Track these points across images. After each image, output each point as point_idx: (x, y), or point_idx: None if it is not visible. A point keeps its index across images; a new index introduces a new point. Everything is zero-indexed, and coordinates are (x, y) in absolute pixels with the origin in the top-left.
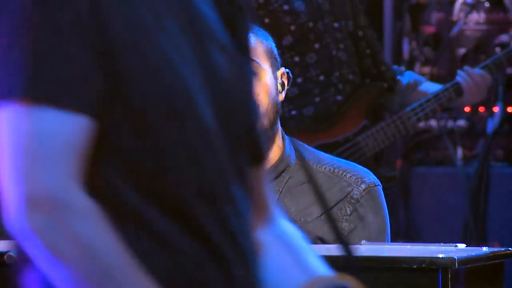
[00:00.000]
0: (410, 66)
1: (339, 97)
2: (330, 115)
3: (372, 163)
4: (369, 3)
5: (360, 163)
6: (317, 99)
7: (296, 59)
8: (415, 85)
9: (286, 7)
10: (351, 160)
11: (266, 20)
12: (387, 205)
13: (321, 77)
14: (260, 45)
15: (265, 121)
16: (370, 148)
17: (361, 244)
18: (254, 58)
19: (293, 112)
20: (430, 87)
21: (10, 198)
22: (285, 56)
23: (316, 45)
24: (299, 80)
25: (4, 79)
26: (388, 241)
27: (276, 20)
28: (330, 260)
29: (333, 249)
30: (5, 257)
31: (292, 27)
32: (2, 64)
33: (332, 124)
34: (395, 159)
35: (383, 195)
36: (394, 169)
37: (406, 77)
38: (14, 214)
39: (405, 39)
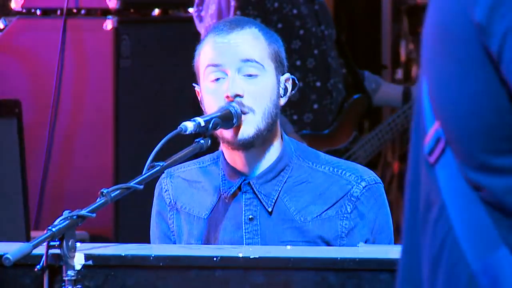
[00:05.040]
0: (407, 68)
1: (333, 107)
2: (326, 124)
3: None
4: (367, 5)
5: None
6: (316, 106)
7: (298, 63)
8: (377, 88)
9: (295, 11)
10: None
11: (279, 25)
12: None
13: (318, 83)
14: (267, 47)
15: (262, 123)
16: (362, 158)
17: (359, 246)
18: (258, 60)
19: (295, 117)
20: (389, 88)
21: None
22: (291, 59)
23: (315, 51)
24: (300, 84)
25: None
26: (391, 239)
27: (288, 24)
28: (332, 262)
29: (337, 251)
30: (3, 259)
31: (301, 31)
32: None
33: (330, 134)
34: (393, 161)
35: (384, 193)
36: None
37: (368, 81)
38: None
39: (402, 41)
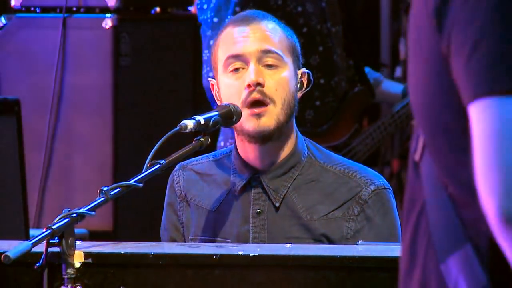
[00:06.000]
0: (406, 66)
1: (335, 104)
2: (327, 121)
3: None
4: (366, 3)
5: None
6: (317, 103)
7: (301, 60)
8: (376, 84)
9: (299, 8)
10: None
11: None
12: None
13: (321, 80)
14: (284, 39)
15: (282, 115)
16: (362, 153)
17: (358, 244)
18: (278, 51)
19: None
20: (390, 86)
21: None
22: None
23: (320, 48)
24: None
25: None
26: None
27: (292, 22)
28: (332, 260)
29: (336, 249)
30: (2, 257)
31: (304, 29)
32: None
33: (328, 130)
34: (392, 159)
35: (393, 199)
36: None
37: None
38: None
39: (401, 39)
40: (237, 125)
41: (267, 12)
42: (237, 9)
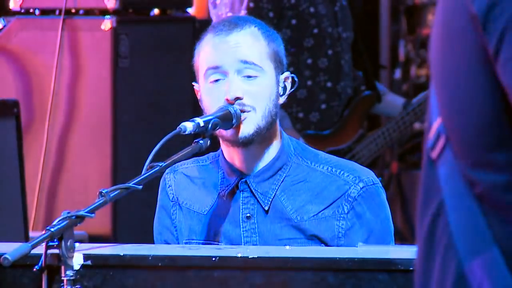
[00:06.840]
0: (406, 68)
1: (340, 109)
2: (332, 125)
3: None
4: (365, 5)
5: None
6: (323, 106)
7: (309, 61)
8: (382, 96)
9: (312, 9)
10: None
11: (293, 22)
12: None
13: (328, 84)
14: (266, 47)
15: (262, 122)
16: (365, 158)
17: (357, 246)
18: (257, 62)
19: (300, 115)
20: (393, 99)
21: None
22: (302, 57)
23: (329, 51)
24: (309, 82)
25: None
26: (391, 240)
27: (303, 21)
28: (331, 262)
29: (335, 251)
30: (1, 259)
31: (315, 30)
32: None
33: (334, 133)
34: (391, 161)
35: (383, 194)
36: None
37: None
38: None
39: (401, 41)
40: (217, 132)
41: (280, 10)
42: (251, 5)
